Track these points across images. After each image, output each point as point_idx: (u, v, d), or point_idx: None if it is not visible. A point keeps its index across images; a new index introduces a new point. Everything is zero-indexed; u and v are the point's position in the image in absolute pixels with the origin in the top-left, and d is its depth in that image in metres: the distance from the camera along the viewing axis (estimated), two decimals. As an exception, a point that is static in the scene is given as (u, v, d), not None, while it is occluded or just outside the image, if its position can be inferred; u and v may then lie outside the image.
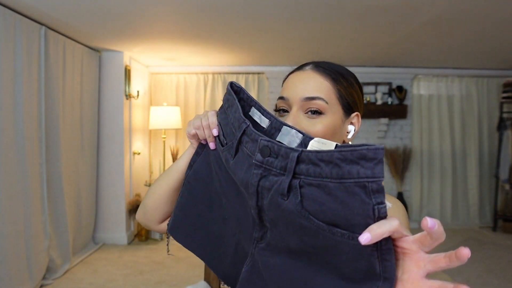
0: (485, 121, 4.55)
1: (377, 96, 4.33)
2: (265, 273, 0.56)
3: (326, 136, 0.65)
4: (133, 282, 2.81)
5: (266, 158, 0.49)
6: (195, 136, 0.68)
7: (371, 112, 4.30)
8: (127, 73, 3.72)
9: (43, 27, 2.68)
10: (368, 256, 0.41)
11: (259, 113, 0.58)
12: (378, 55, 3.82)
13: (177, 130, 4.36)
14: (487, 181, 4.57)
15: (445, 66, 4.40)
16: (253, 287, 0.58)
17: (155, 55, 3.80)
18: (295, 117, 0.66)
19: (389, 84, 4.44)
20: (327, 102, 0.66)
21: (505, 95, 4.17)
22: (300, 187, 0.45)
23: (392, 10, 2.43)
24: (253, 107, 0.59)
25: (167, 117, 3.94)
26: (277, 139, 0.54)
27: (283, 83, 0.74)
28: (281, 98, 0.70)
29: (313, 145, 0.48)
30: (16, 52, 2.41)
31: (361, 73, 4.42)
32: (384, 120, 4.34)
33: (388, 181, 4.55)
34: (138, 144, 4.06)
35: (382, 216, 0.39)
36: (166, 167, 4.16)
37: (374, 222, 0.39)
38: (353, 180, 0.40)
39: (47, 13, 2.49)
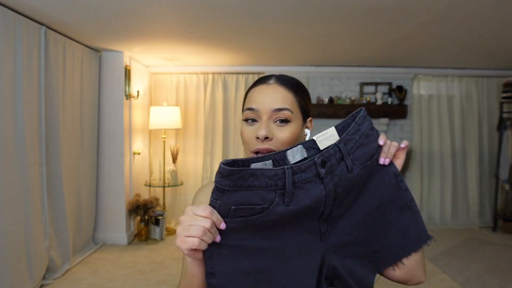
0: (485, 121, 4.55)
1: (377, 96, 4.33)
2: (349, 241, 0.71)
3: (292, 140, 0.77)
4: (133, 282, 2.81)
5: (326, 165, 0.65)
6: (198, 248, 0.61)
7: (371, 112, 4.29)
8: (127, 73, 3.72)
9: (43, 27, 2.68)
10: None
11: (259, 163, 0.65)
12: (378, 55, 3.82)
13: (177, 130, 4.36)
14: (487, 181, 4.57)
15: (445, 66, 4.40)
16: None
17: (155, 55, 3.80)
18: (267, 125, 0.76)
19: (389, 84, 4.44)
20: (292, 112, 0.77)
21: (505, 95, 4.17)
22: (353, 156, 0.68)
23: (392, 10, 2.43)
24: (251, 164, 0.64)
25: (167, 117, 3.94)
26: (291, 161, 0.67)
27: (246, 95, 0.83)
28: (250, 109, 0.78)
29: (319, 140, 0.68)
30: (16, 52, 2.41)
31: (361, 73, 4.43)
32: (384, 120, 4.34)
33: (388, 181, 4.54)
34: (138, 144, 4.06)
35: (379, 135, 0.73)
36: (166, 167, 4.16)
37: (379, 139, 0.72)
38: (368, 129, 0.71)
39: (47, 13, 2.49)
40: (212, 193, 0.62)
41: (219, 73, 4.42)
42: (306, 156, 0.67)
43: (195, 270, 0.68)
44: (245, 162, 0.64)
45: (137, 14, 2.53)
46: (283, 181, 0.62)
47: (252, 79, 4.44)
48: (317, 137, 0.68)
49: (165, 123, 3.93)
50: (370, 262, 0.73)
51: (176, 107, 4.06)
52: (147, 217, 3.84)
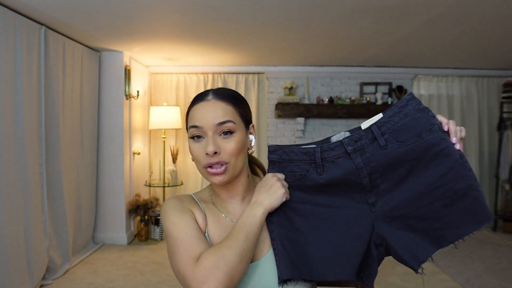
0: (485, 121, 4.55)
1: (377, 96, 4.33)
2: (399, 212, 0.78)
3: (239, 148, 0.82)
4: (133, 282, 2.81)
5: (355, 144, 0.77)
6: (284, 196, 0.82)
7: (371, 112, 4.29)
8: (127, 73, 3.72)
9: (43, 27, 2.68)
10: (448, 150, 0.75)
11: (304, 145, 0.83)
12: (378, 55, 3.82)
13: (177, 130, 4.36)
14: (487, 181, 4.57)
15: (445, 66, 4.41)
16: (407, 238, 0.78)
17: (155, 55, 3.80)
18: (214, 140, 0.80)
19: (389, 84, 4.44)
20: (234, 123, 0.82)
21: (505, 95, 4.17)
22: (390, 135, 0.76)
23: (392, 10, 2.43)
24: (299, 147, 0.83)
25: (167, 117, 3.94)
26: (333, 141, 0.81)
27: (188, 114, 0.86)
28: (194, 127, 0.82)
29: (363, 124, 0.79)
30: (16, 52, 2.41)
31: (361, 73, 4.43)
32: (384, 120, 4.33)
33: (388, 181, 4.55)
34: (138, 144, 4.06)
35: (434, 117, 0.75)
36: (166, 167, 4.16)
37: (434, 122, 0.75)
38: (412, 110, 0.75)
39: (47, 13, 2.49)
40: (268, 166, 0.85)
41: (219, 73, 4.42)
42: (348, 135, 0.80)
43: (264, 221, 0.82)
44: (292, 147, 0.83)
45: (137, 14, 2.53)
46: (314, 156, 0.79)
47: (252, 79, 4.44)
48: (363, 123, 0.78)
49: (165, 123, 3.93)
50: (431, 238, 0.76)
51: (176, 107, 4.06)
52: (147, 217, 3.84)
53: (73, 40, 3.14)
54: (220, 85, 4.43)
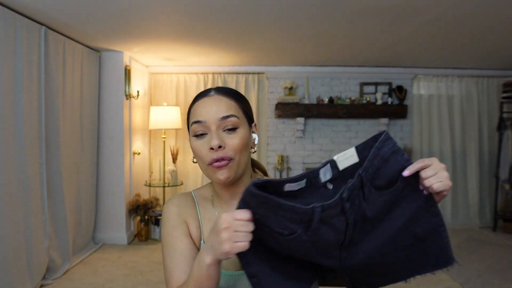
0: (485, 121, 4.55)
1: (377, 96, 4.33)
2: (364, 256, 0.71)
3: (244, 145, 0.79)
4: (133, 282, 2.81)
5: (351, 198, 0.63)
6: (240, 249, 0.65)
7: (371, 112, 4.30)
8: (127, 73, 3.72)
9: (43, 27, 2.68)
10: (418, 198, 0.70)
11: (293, 183, 0.68)
12: (378, 55, 3.82)
13: (177, 130, 4.36)
14: (487, 181, 4.56)
15: (445, 66, 4.40)
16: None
17: (155, 55, 3.80)
18: (217, 135, 0.77)
19: (389, 84, 4.44)
20: (238, 118, 0.79)
21: (505, 95, 4.17)
22: (371, 183, 0.67)
23: (392, 10, 2.43)
24: (285, 185, 0.68)
25: (167, 117, 3.94)
26: (323, 179, 0.70)
27: (190, 111, 0.84)
28: (197, 122, 0.79)
29: (339, 160, 0.69)
30: (16, 52, 2.41)
31: (361, 73, 4.43)
32: (384, 120, 4.34)
33: (388, 181, 4.54)
34: (138, 144, 4.06)
35: (409, 160, 0.68)
36: (166, 167, 4.16)
37: (407, 165, 0.67)
38: (389, 153, 0.68)
39: (47, 13, 2.49)
40: (239, 202, 0.65)
41: (219, 73, 4.42)
42: (331, 175, 0.69)
43: (215, 272, 0.68)
44: (280, 183, 0.67)
45: (137, 14, 2.53)
46: (310, 217, 0.62)
47: (252, 79, 4.44)
48: (337, 157, 0.69)
49: (165, 123, 3.93)
50: (385, 276, 0.76)
51: (176, 107, 4.06)
52: (147, 217, 3.84)
53: (73, 40, 3.14)
54: (220, 85, 4.43)
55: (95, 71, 3.55)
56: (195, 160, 0.84)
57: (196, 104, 0.82)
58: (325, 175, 0.70)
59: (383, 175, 0.68)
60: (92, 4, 2.33)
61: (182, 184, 4.28)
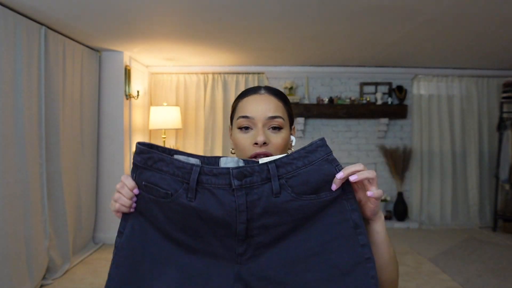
0: (485, 121, 4.55)
1: (377, 96, 4.33)
2: (264, 270, 0.65)
3: (285, 145, 0.83)
4: (133, 282, 2.81)
5: (244, 180, 0.62)
6: (119, 210, 0.69)
7: (371, 112, 4.30)
8: (127, 73, 3.71)
9: (43, 27, 2.68)
10: (344, 210, 0.65)
11: (183, 156, 0.67)
12: (378, 55, 3.82)
13: (177, 130, 4.36)
14: (487, 181, 4.56)
15: (445, 66, 4.40)
16: None
17: (155, 55, 3.80)
18: (263, 132, 0.81)
19: (389, 84, 4.44)
20: (283, 119, 0.84)
21: (505, 95, 4.17)
22: (287, 181, 0.63)
23: (392, 10, 2.43)
24: (175, 155, 0.67)
25: (167, 117, 3.94)
26: (222, 165, 0.67)
27: (235, 106, 0.88)
28: (245, 117, 0.82)
29: (262, 160, 0.65)
30: (16, 52, 2.41)
31: (361, 73, 4.43)
32: (384, 120, 4.34)
33: (388, 181, 4.55)
34: (138, 144, 4.05)
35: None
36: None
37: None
38: (320, 159, 0.63)
39: (47, 13, 2.49)
40: (131, 169, 0.68)
41: (219, 73, 4.42)
42: (237, 165, 0.67)
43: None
44: (170, 152, 0.67)
45: (137, 14, 2.53)
46: (189, 176, 0.62)
47: (252, 79, 4.44)
48: (262, 159, 0.66)
49: (165, 123, 3.93)
50: None
51: (176, 107, 4.06)
52: (147, 217, 3.83)
53: (73, 40, 3.14)
54: (220, 85, 4.44)
55: (95, 71, 3.55)
56: (233, 151, 0.89)
57: (246, 99, 0.85)
58: (227, 163, 0.67)
59: (308, 181, 0.63)
60: (92, 4, 2.33)
61: (182, 184, 4.27)
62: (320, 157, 0.63)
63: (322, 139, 0.64)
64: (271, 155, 0.79)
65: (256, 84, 4.45)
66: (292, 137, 0.89)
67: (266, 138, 0.80)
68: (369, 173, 0.65)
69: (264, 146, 0.80)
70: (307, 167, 0.63)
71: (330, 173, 0.63)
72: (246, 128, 0.83)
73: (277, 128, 0.82)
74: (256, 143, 0.80)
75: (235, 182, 0.62)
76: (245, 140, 0.82)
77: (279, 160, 0.63)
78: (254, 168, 0.62)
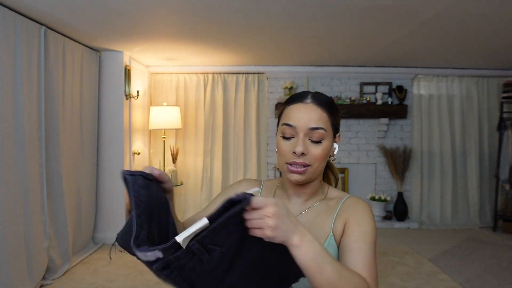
0: (485, 121, 4.55)
1: (377, 96, 4.33)
2: None
3: (325, 155, 0.85)
4: (133, 282, 2.81)
5: (171, 267, 0.62)
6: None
7: (371, 112, 4.30)
8: (127, 73, 3.72)
9: (43, 27, 2.68)
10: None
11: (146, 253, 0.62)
12: (378, 55, 3.82)
13: (177, 130, 4.36)
14: (487, 181, 4.57)
15: (445, 66, 4.40)
16: None
17: (155, 55, 3.80)
18: (304, 142, 0.83)
19: (389, 84, 4.44)
20: (326, 130, 0.84)
21: (505, 95, 4.17)
22: (210, 243, 0.62)
23: (392, 10, 2.43)
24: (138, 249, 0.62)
25: (167, 117, 3.94)
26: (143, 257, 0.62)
27: (282, 111, 0.90)
28: (288, 125, 0.85)
29: (181, 237, 0.60)
30: (16, 52, 2.41)
31: (361, 73, 4.43)
32: (384, 120, 4.34)
33: (388, 181, 4.55)
34: (138, 144, 4.06)
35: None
36: (166, 167, 4.16)
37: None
38: (226, 218, 0.60)
39: (47, 13, 2.49)
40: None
41: (219, 73, 4.42)
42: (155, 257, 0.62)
43: None
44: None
45: (137, 14, 2.53)
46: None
47: (252, 79, 4.44)
48: (180, 236, 0.60)
49: (165, 123, 3.93)
50: None
51: (176, 107, 4.06)
52: (147, 217, 3.83)
53: (73, 40, 3.14)
54: (220, 85, 4.44)
55: (95, 71, 3.55)
56: (277, 150, 0.91)
57: (292, 107, 0.87)
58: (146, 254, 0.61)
59: (225, 233, 0.62)
60: (92, 4, 2.33)
61: (182, 184, 4.28)
62: (230, 215, 0.60)
63: (244, 199, 0.60)
64: (308, 165, 0.83)
65: (256, 85, 4.45)
66: (336, 145, 0.90)
67: (305, 149, 0.82)
68: (264, 222, 0.62)
69: (302, 156, 0.83)
70: (225, 226, 0.61)
71: (235, 225, 0.63)
72: (289, 138, 0.85)
73: (318, 141, 0.84)
74: (295, 152, 0.83)
75: (164, 273, 0.62)
76: (286, 147, 0.85)
77: (201, 236, 0.60)
78: (178, 255, 0.60)
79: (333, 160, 0.92)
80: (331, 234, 0.86)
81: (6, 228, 2.30)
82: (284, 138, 0.86)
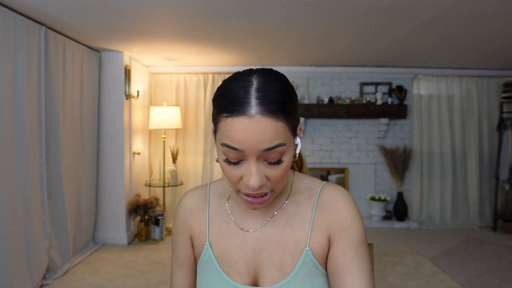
0: (485, 121, 4.55)
1: (377, 96, 4.33)
2: None
3: (286, 172, 0.64)
4: (133, 282, 2.81)
5: None
6: None
7: (371, 112, 4.30)
8: (127, 73, 3.72)
9: (43, 27, 2.68)
10: None
11: None
12: (378, 55, 3.82)
13: (177, 130, 4.36)
14: (487, 181, 4.57)
15: (445, 66, 4.41)
16: None
17: (155, 55, 3.80)
18: (257, 169, 0.61)
19: (389, 84, 4.44)
20: (285, 144, 0.61)
21: (505, 95, 4.17)
22: None
23: (392, 10, 2.43)
24: None
25: (167, 117, 3.94)
26: None
27: (219, 118, 0.62)
28: (231, 147, 0.60)
29: None
30: (16, 52, 2.41)
31: (361, 73, 4.43)
32: (384, 120, 4.34)
33: (388, 181, 4.55)
34: (138, 144, 4.06)
35: None
36: (166, 167, 4.17)
37: None
38: None
39: (47, 13, 2.49)
40: None
41: (219, 73, 4.42)
42: None
43: None
44: None
45: (137, 14, 2.53)
46: None
47: (252, 79, 4.43)
48: None
49: (165, 123, 3.93)
50: None
51: (176, 107, 4.06)
52: (147, 217, 3.84)
53: (73, 40, 3.14)
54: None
55: (95, 71, 3.55)
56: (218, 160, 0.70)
57: (231, 120, 0.59)
58: None
59: None
60: (92, 4, 2.33)
61: (182, 184, 4.28)
62: None
63: None
64: (269, 191, 0.65)
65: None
66: (298, 140, 0.68)
67: (261, 179, 0.61)
68: None
69: (259, 189, 0.62)
70: None
71: None
72: (236, 163, 0.62)
73: (278, 161, 0.62)
74: (249, 186, 0.62)
75: None
76: (233, 173, 0.63)
77: None
78: None
79: (296, 159, 0.69)
80: (307, 248, 0.70)
81: (6, 228, 2.30)
82: (228, 164, 0.63)
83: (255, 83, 0.60)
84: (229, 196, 0.78)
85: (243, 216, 0.75)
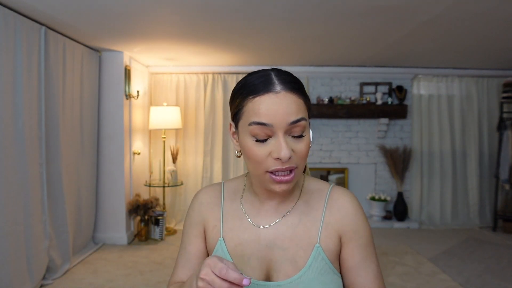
0: (485, 121, 4.55)
1: (377, 96, 4.33)
2: None
3: (308, 149, 0.70)
4: (133, 282, 2.81)
5: None
6: None
7: (371, 112, 4.30)
8: (127, 73, 3.72)
9: (43, 27, 2.68)
10: None
11: None
12: (378, 55, 3.82)
13: (177, 130, 4.36)
14: (487, 181, 4.57)
15: (445, 66, 4.41)
16: None
17: (155, 55, 3.80)
18: (286, 143, 0.66)
19: (389, 84, 4.44)
20: (306, 119, 0.69)
21: (505, 95, 4.17)
22: None
23: (392, 10, 2.43)
24: None
25: (167, 117, 3.94)
26: None
27: (245, 102, 0.68)
28: (261, 124, 0.65)
29: None
30: (16, 52, 2.41)
31: (361, 73, 4.43)
32: (384, 120, 4.34)
33: (388, 181, 4.55)
34: (138, 144, 4.06)
35: None
36: (166, 167, 4.16)
37: None
38: None
39: (47, 13, 2.49)
40: None
41: (219, 73, 4.42)
42: None
43: None
44: None
45: (137, 14, 2.53)
46: None
47: (252, 79, 4.43)
48: None
49: (165, 123, 3.93)
50: None
51: (176, 107, 4.06)
52: (147, 217, 3.84)
53: (73, 40, 3.14)
54: (220, 85, 4.43)
55: (95, 71, 3.55)
56: (239, 154, 0.75)
57: (259, 99, 0.66)
58: None
59: None
60: (92, 4, 2.33)
61: (182, 184, 4.28)
62: None
63: None
64: (295, 168, 0.68)
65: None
66: (309, 131, 0.73)
67: (290, 150, 0.66)
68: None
69: (288, 162, 0.67)
70: None
71: None
72: (263, 138, 0.67)
73: (301, 135, 0.68)
74: (278, 158, 0.66)
75: None
76: (262, 152, 0.67)
77: None
78: None
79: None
80: (318, 245, 0.73)
81: (6, 228, 2.30)
82: (258, 141, 0.67)
83: (272, 73, 0.69)
84: (242, 194, 0.82)
85: (256, 214, 0.78)
